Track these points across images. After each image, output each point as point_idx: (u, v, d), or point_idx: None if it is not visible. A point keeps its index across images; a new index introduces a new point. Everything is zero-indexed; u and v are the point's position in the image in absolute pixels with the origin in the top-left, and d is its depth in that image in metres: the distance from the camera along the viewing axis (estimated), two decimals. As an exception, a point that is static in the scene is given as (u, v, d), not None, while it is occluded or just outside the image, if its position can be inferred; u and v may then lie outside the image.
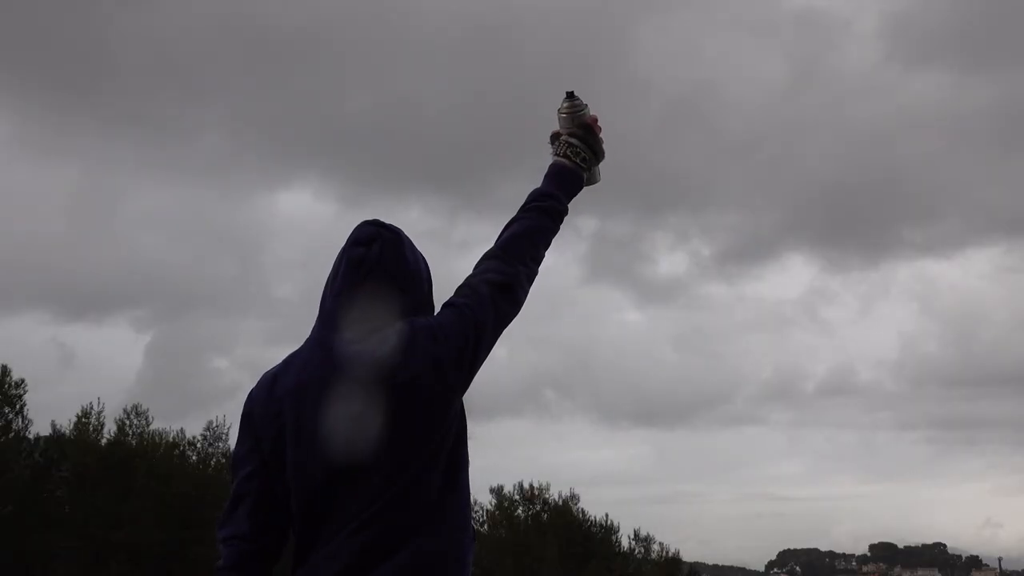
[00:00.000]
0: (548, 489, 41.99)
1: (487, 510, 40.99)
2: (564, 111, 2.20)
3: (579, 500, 42.57)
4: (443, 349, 1.87)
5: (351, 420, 1.84)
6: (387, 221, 2.02)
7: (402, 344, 1.86)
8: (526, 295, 2.03)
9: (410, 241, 2.02)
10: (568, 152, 2.18)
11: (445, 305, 1.97)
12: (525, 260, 2.04)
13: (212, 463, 33.21)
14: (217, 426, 33.82)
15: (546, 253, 2.11)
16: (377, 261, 1.95)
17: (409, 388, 1.84)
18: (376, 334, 1.89)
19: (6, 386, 29.27)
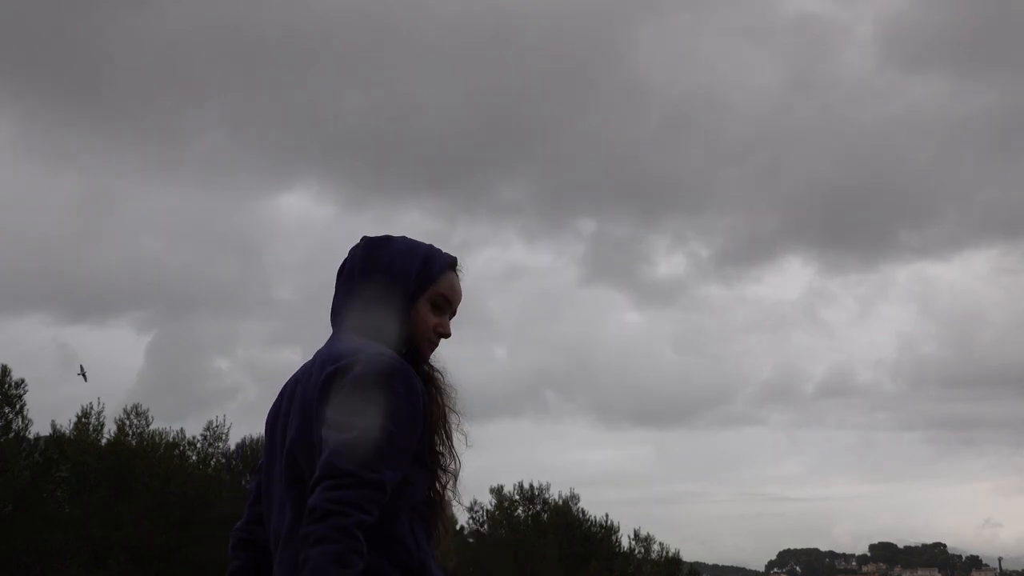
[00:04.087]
0: (548, 489, 42.06)
1: (487, 510, 41.02)
2: None
3: (579, 500, 42.63)
4: (321, 393, 1.84)
5: (292, 426, 1.89)
6: (388, 225, 2.07)
7: (328, 358, 1.89)
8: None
9: (393, 242, 2.04)
10: None
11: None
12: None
13: (212, 463, 33.20)
14: (217, 426, 33.79)
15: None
16: (351, 269, 2.02)
17: (316, 405, 1.85)
18: (335, 341, 1.94)
19: (6, 386, 29.26)
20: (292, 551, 1.79)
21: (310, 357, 2.00)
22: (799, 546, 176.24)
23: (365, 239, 2.06)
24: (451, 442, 1.99)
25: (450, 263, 2.05)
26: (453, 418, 2.01)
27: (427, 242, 2.08)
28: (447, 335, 2.03)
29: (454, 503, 2.02)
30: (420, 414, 1.84)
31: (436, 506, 1.96)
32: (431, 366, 2.03)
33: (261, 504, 2.00)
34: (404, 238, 2.06)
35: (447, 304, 2.03)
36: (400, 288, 1.98)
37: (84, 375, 31.54)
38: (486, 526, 40.66)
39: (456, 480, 2.00)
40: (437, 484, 1.95)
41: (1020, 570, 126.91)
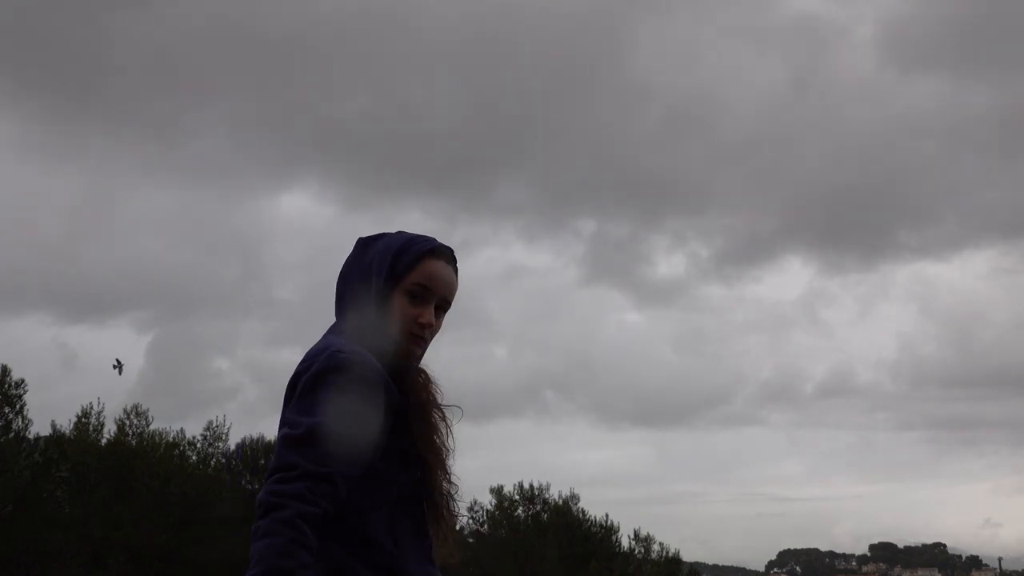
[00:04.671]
0: (548, 489, 42.08)
1: (487, 510, 41.04)
2: None
3: (579, 500, 42.66)
4: (286, 397, 1.86)
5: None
6: (388, 226, 2.04)
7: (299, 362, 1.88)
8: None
9: (380, 240, 2.00)
10: None
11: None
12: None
13: (212, 463, 33.22)
14: (217, 426, 33.80)
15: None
16: (342, 272, 2.02)
17: (283, 409, 1.86)
18: (314, 344, 1.93)
19: (6, 386, 29.27)
20: None
21: None
22: (799, 546, 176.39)
23: (358, 240, 2.03)
24: (437, 438, 1.93)
25: (429, 250, 1.96)
26: (439, 414, 1.96)
27: (425, 235, 2.02)
28: (427, 324, 1.93)
29: (455, 500, 1.96)
30: (379, 408, 1.80)
31: (430, 504, 1.91)
32: (415, 362, 1.96)
33: None
34: (398, 233, 2.01)
35: (426, 292, 1.94)
36: (376, 284, 1.94)
37: (120, 368, 31.50)
38: (486, 526, 40.68)
39: (447, 477, 1.93)
40: (428, 482, 1.90)
41: (1020, 570, 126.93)
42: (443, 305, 1.99)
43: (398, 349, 1.92)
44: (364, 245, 2.01)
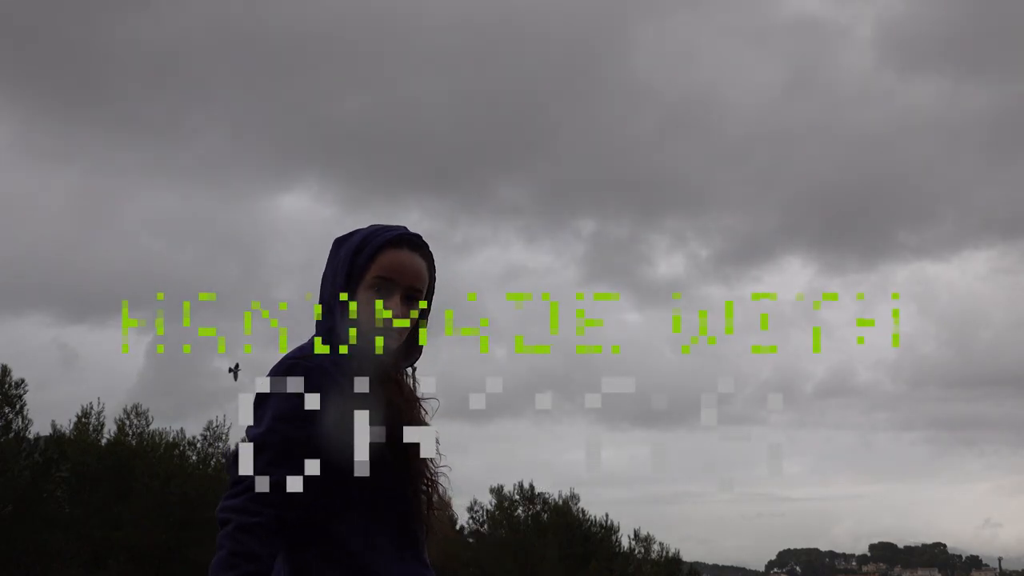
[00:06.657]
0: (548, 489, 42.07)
1: (487, 510, 41.04)
2: None
3: (579, 500, 42.66)
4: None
5: None
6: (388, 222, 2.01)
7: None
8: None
9: (348, 239, 1.96)
10: None
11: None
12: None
13: (212, 463, 33.21)
14: (217, 426, 33.81)
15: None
16: (323, 273, 1.99)
17: None
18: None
19: (6, 386, 29.29)
20: None
21: None
22: (799, 546, 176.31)
23: (334, 240, 1.99)
24: (416, 434, 1.87)
25: (386, 241, 1.91)
26: (419, 409, 1.93)
27: (391, 225, 1.97)
28: (396, 315, 1.88)
29: (441, 496, 1.93)
30: (333, 407, 1.78)
31: (414, 502, 1.88)
32: (394, 356, 1.92)
33: None
34: (368, 227, 1.97)
35: (389, 284, 1.89)
36: (339, 283, 1.91)
37: (236, 374, 31.19)
38: (486, 526, 40.68)
39: (430, 473, 1.91)
40: (409, 480, 1.87)
41: (1020, 570, 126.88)
42: (413, 294, 1.93)
43: (372, 345, 1.88)
44: (338, 245, 1.97)
